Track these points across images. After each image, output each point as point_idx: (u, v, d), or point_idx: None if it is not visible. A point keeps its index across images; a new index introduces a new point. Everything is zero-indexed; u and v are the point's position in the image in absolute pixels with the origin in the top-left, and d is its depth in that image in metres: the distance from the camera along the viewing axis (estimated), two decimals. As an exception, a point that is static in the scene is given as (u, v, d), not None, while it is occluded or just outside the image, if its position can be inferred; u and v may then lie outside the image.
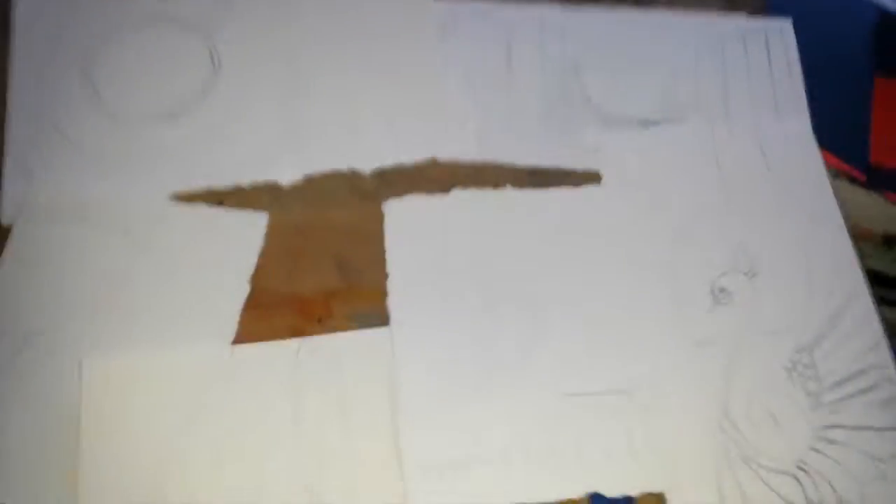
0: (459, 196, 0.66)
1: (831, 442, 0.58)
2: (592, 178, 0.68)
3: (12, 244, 0.62)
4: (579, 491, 0.55)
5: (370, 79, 0.71)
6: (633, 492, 0.55)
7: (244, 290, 0.62)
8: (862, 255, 0.65)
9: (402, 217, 0.65)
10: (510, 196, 0.66)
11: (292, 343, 0.60)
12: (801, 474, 0.56)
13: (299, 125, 0.69)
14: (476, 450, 0.56)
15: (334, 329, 0.61)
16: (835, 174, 0.70)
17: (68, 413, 0.57)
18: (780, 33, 0.75)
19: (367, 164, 0.68)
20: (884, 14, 0.84)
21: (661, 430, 0.57)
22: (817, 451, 0.57)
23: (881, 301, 0.63)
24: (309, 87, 0.70)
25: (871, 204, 0.74)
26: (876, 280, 0.65)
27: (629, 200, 0.66)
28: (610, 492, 0.55)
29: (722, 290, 0.62)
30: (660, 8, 0.77)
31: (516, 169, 0.68)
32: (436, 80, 0.71)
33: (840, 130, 0.75)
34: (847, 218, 0.68)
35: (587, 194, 0.66)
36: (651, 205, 0.66)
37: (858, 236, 0.68)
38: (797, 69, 0.73)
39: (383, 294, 0.62)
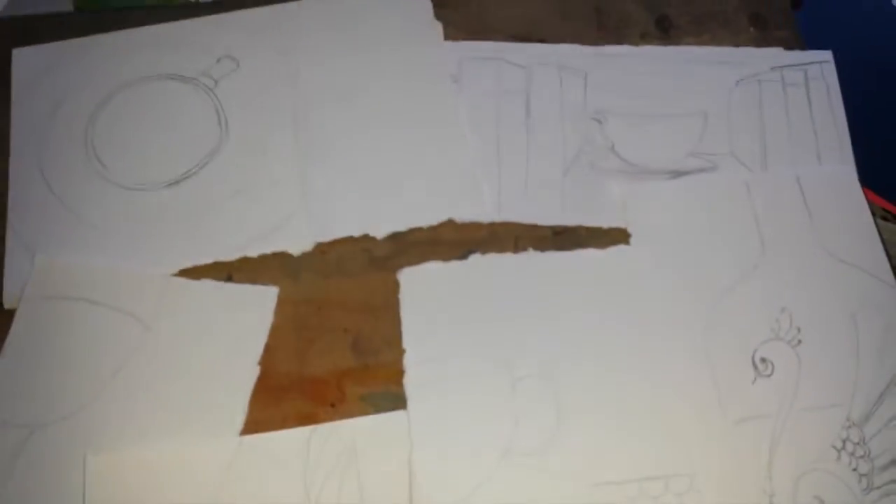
0: (477, 261, 0.62)
1: (886, 527, 0.53)
2: (620, 235, 0.64)
3: (15, 329, 0.60)
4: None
5: (382, 138, 0.68)
6: (670, 591, 0.52)
7: (254, 373, 0.59)
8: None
9: (418, 286, 0.62)
10: (532, 259, 0.63)
11: (303, 432, 0.57)
12: (852, 567, 0.52)
13: (309, 190, 0.66)
14: (500, 545, 0.53)
15: (348, 413, 0.58)
16: (877, 212, 0.65)
17: (73, 511, 0.54)
18: (821, 67, 0.70)
19: (380, 229, 0.64)
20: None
21: (699, 521, 0.53)
22: (871, 540, 0.53)
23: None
24: (318, 148, 0.67)
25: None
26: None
27: (660, 261, 0.62)
28: (644, 592, 0.51)
29: (763, 360, 0.58)
30: (687, 43, 0.73)
31: (538, 228, 0.64)
32: (452, 135, 0.67)
33: (885, 166, 0.70)
34: (891, 258, 0.63)
35: (615, 255, 0.62)
36: (684, 265, 0.61)
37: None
38: (840, 109, 0.68)
39: (399, 372, 0.59)
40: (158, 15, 0.74)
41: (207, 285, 0.62)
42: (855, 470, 0.55)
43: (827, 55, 0.70)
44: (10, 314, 0.61)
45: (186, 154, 0.67)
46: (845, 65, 0.70)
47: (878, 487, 0.54)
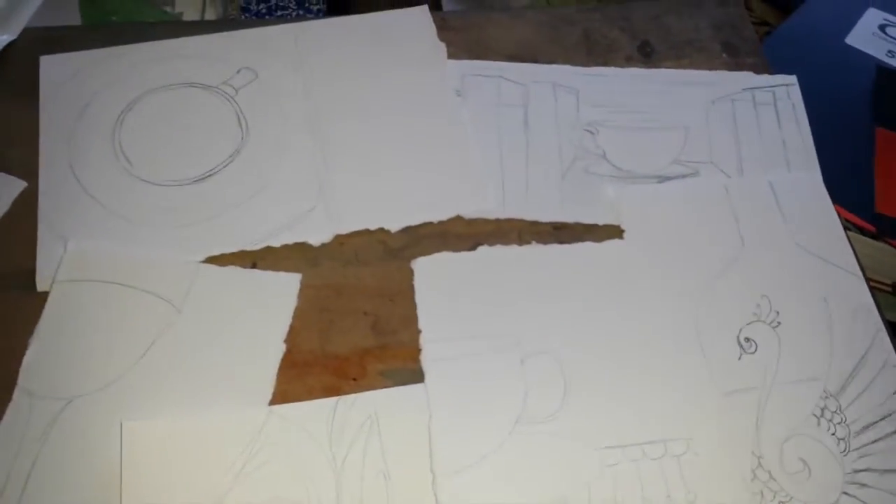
0: (485, 253, 0.68)
1: (862, 485, 0.59)
2: (614, 231, 0.70)
3: (49, 309, 0.63)
4: (621, 541, 0.56)
5: (393, 141, 0.73)
6: (674, 540, 0.56)
7: (280, 350, 0.63)
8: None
9: (431, 274, 0.67)
10: (535, 251, 0.68)
11: (329, 402, 0.60)
12: (835, 520, 0.57)
13: (327, 187, 0.70)
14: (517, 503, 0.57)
15: (370, 387, 0.62)
16: (844, 225, 0.72)
17: (109, 475, 0.57)
18: (787, 89, 0.78)
19: (394, 222, 0.69)
20: (881, 69, 0.87)
21: (696, 479, 0.58)
22: (849, 494, 0.58)
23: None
24: (334, 150, 0.72)
25: (880, 253, 0.77)
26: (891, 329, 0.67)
27: (651, 253, 0.68)
28: (651, 541, 0.56)
29: (747, 339, 0.64)
30: (667, 67, 0.80)
31: (539, 224, 0.70)
32: (458, 139, 0.73)
33: (847, 182, 0.78)
34: (858, 258, 0.70)
35: (610, 248, 0.68)
36: (673, 257, 0.68)
37: (870, 287, 0.69)
38: (805, 123, 0.76)
39: (416, 351, 0.63)
40: (169, 30, 0.79)
41: (234, 271, 0.66)
42: (833, 434, 0.61)
43: (792, 79, 0.79)
44: (44, 296, 0.64)
45: (210, 154, 0.72)
46: (808, 93, 0.79)
47: (856, 449, 0.60)
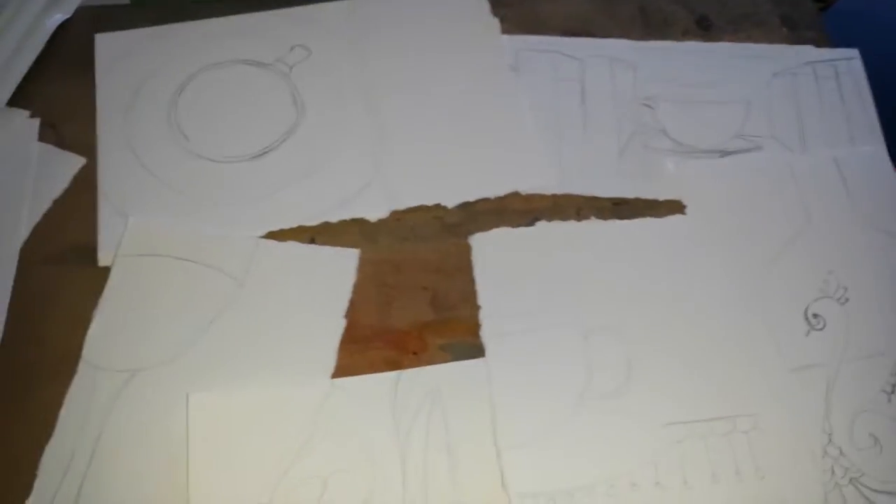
0: (543, 228, 0.67)
1: (934, 462, 0.58)
2: (676, 207, 0.69)
3: (112, 283, 0.64)
4: (689, 517, 0.55)
5: (449, 116, 0.73)
6: (744, 516, 0.55)
7: (340, 324, 0.63)
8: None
9: (489, 249, 0.66)
10: (595, 227, 0.67)
11: (392, 375, 0.60)
12: (907, 494, 0.56)
13: (383, 162, 0.70)
14: (581, 480, 0.56)
15: (430, 361, 0.62)
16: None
17: (175, 447, 0.57)
18: (848, 63, 0.76)
19: (451, 199, 0.69)
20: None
21: (765, 455, 0.57)
22: (922, 471, 0.57)
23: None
24: (390, 126, 0.72)
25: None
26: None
27: (714, 229, 0.67)
28: (720, 518, 0.55)
29: (815, 315, 0.63)
30: (726, 41, 0.79)
31: (598, 200, 0.69)
32: (514, 114, 0.73)
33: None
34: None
35: (672, 224, 0.67)
36: (737, 232, 0.66)
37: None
38: (869, 97, 0.74)
39: (475, 325, 0.63)
40: (218, 8, 0.79)
41: (294, 246, 0.66)
42: (906, 409, 0.59)
43: (854, 52, 0.77)
44: (105, 271, 0.64)
45: (266, 130, 0.72)
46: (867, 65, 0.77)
47: (927, 426, 0.59)
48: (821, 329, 0.62)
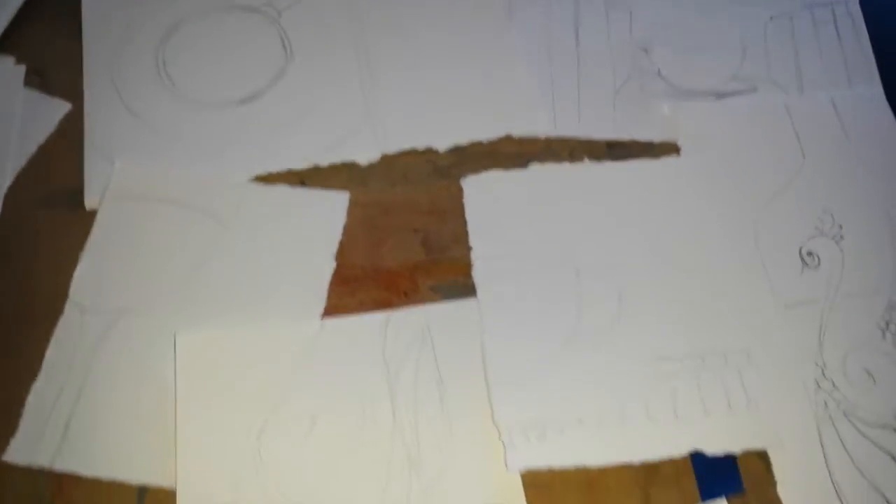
0: (536, 170, 0.66)
1: (929, 396, 0.57)
2: (671, 148, 0.68)
3: (99, 225, 0.63)
4: (680, 450, 0.55)
5: (441, 59, 0.72)
6: (735, 449, 0.55)
7: (330, 265, 0.62)
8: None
9: (481, 192, 0.65)
10: (589, 169, 0.66)
11: (381, 315, 0.60)
12: (901, 427, 0.56)
13: (374, 106, 0.69)
14: (571, 413, 0.56)
15: (420, 301, 0.61)
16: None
17: (163, 387, 0.57)
18: (846, 5, 0.75)
19: (442, 141, 0.68)
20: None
21: (758, 388, 0.56)
22: (915, 405, 0.57)
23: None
24: (381, 70, 0.71)
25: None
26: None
27: (710, 169, 0.66)
28: (711, 449, 0.54)
29: (810, 253, 0.62)
30: (722, -17, 0.77)
31: (593, 142, 0.68)
32: (508, 57, 0.72)
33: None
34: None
35: (667, 165, 0.66)
36: (732, 173, 0.65)
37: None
38: (865, 38, 0.73)
39: (467, 266, 0.62)
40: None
41: (283, 190, 0.65)
42: (899, 346, 0.59)
43: (851, -6, 0.76)
44: (92, 215, 0.64)
45: (254, 75, 0.71)
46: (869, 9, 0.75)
47: (922, 361, 0.59)
48: (815, 267, 0.61)
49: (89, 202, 0.64)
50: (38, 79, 0.71)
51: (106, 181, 0.65)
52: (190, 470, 0.54)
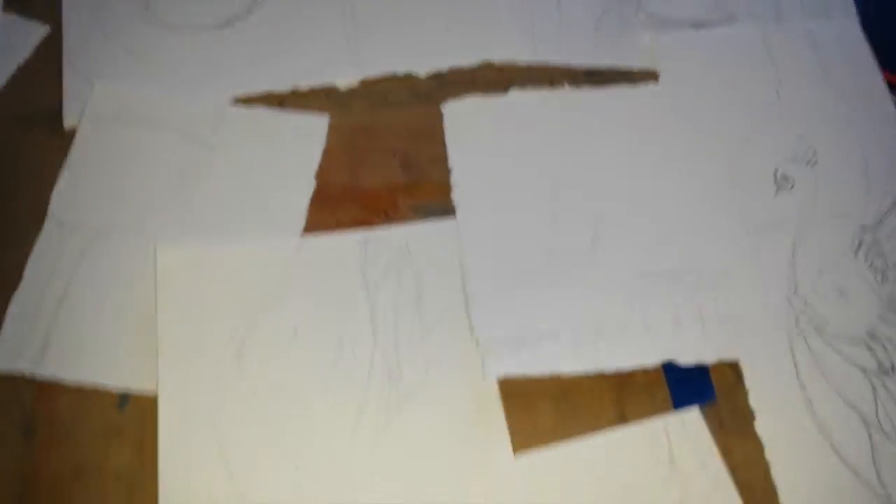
0: (517, 95, 0.66)
1: (899, 311, 0.59)
2: (650, 76, 0.68)
3: (77, 146, 0.63)
4: (652, 359, 0.56)
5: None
6: (707, 359, 0.56)
7: (310, 185, 0.62)
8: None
9: (461, 117, 0.66)
10: (569, 94, 0.67)
11: (361, 233, 0.60)
12: (871, 342, 0.57)
13: (354, 30, 0.69)
14: (548, 325, 0.56)
15: (400, 221, 0.61)
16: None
17: (144, 299, 0.57)
18: (826, -62, 0.75)
19: (422, 67, 0.68)
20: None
21: (730, 303, 0.58)
22: (886, 321, 0.58)
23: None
24: (361, -3, 0.71)
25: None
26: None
27: (688, 96, 0.66)
28: (683, 359, 0.55)
29: (784, 177, 0.63)
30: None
31: (572, 69, 0.69)
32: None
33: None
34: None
35: (646, 91, 0.67)
36: (710, 100, 0.66)
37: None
38: (845, -27, 0.74)
39: (447, 188, 0.63)
40: None
41: (262, 112, 0.65)
42: (871, 265, 0.60)
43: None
44: (71, 135, 0.64)
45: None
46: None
47: (893, 280, 0.60)
48: (789, 189, 0.62)
49: (68, 122, 0.64)
50: (17, 3, 0.70)
51: (85, 102, 0.65)
52: (171, 377, 0.54)
